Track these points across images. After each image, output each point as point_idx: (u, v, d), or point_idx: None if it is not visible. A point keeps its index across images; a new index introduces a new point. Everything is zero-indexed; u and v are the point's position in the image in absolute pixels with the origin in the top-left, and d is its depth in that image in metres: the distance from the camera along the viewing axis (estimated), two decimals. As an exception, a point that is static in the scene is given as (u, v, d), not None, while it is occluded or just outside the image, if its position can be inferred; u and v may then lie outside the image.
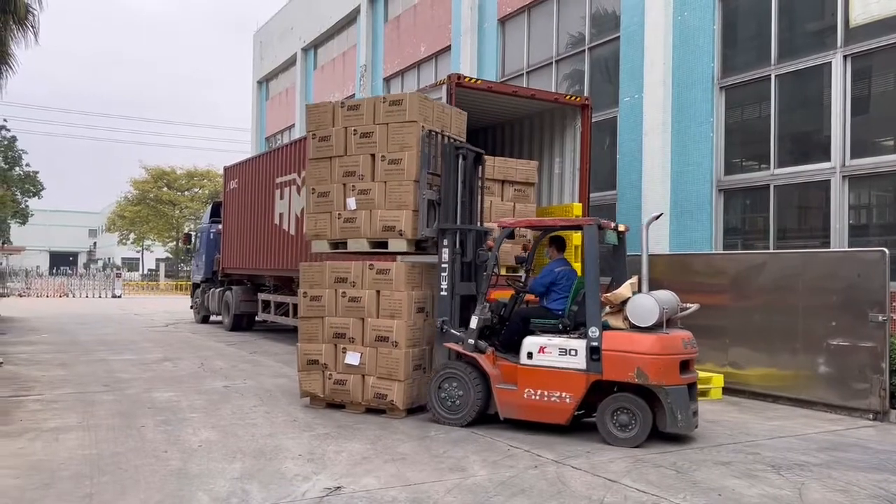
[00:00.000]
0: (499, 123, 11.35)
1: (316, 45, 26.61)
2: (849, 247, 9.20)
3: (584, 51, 13.78)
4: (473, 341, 6.76)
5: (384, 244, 7.36)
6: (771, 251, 9.91)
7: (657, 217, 7.00)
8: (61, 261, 75.61)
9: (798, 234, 10.36)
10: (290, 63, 28.44)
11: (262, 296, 15.27)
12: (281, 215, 13.87)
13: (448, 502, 4.56)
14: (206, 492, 4.68)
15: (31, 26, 14.00)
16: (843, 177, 9.48)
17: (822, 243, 9.67)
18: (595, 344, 6.11)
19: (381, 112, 7.39)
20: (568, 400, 6.24)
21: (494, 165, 9.76)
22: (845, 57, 9.53)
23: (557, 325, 6.67)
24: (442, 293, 7.05)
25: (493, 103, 10.43)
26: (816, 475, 5.31)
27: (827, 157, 9.69)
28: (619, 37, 12.79)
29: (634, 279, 6.45)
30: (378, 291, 7.23)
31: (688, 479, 5.14)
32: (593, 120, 10.96)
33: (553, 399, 6.30)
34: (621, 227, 6.85)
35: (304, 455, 5.61)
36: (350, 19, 23.80)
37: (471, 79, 9.83)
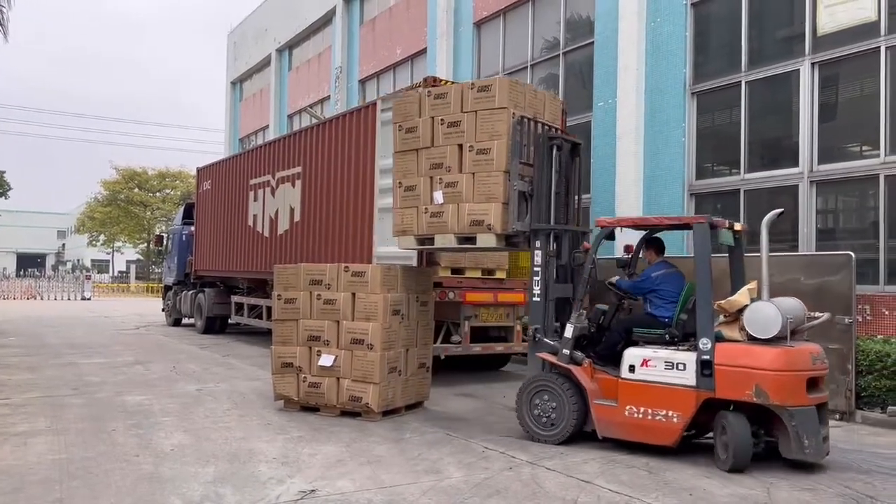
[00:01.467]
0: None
1: (291, 46, 26.46)
2: (816, 251, 9.38)
3: (558, 55, 13.89)
4: (569, 352, 6.20)
5: (472, 239, 6.88)
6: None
7: (779, 214, 6.03)
8: (29, 262, 74.21)
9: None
10: (265, 64, 28.25)
11: (235, 298, 15.15)
12: (255, 217, 13.78)
13: (423, 504, 4.57)
14: (178, 496, 4.64)
15: (0, 24, 13.76)
16: (811, 182, 9.67)
17: (791, 247, 9.84)
18: (707, 357, 5.47)
19: (469, 99, 6.90)
20: (675, 419, 5.60)
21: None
22: (813, 64, 9.72)
23: (663, 335, 6.04)
24: (534, 299, 6.55)
25: (469, 106, 10.45)
26: (784, 475, 5.41)
27: (795, 163, 9.88)
28: (593, 42, 12.91)
29: (753, 284, 5.82)
30: (353, 294, 7.22)
31: (660, 479, 5.20)
32: (568, 124, 11.05)
33: (658, 418, 5.68)
34: (738, 226, 6.15)
35: (279, 458, 5.59)
36: (325, 21, 23.71)
37: (447, 82, 9.85)
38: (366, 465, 5.46)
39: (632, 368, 5.86)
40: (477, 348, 9.63)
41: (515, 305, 9.96)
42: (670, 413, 5.63)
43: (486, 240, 6.80)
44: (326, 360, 7.24)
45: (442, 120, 7.08)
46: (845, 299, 7.69)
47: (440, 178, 7.02)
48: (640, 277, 6.55)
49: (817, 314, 6.00)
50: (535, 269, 6.58)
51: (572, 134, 7.22)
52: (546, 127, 7.06)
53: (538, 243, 6.60)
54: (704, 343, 5.50)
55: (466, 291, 9.41)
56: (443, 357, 9.21)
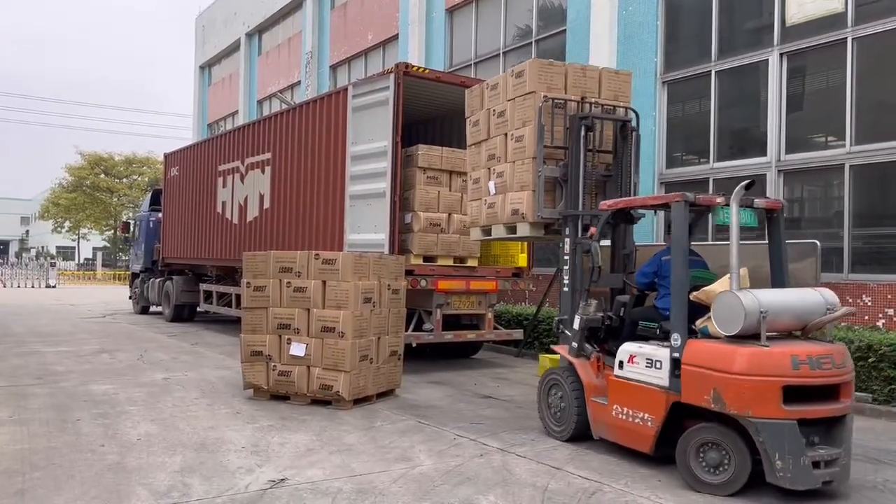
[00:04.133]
0: (447, 114, 11.36)
1: (260, 30, 26.10)
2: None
3: (531, 43, 13.88)
4: (577, 344, 5.89)
5: (514, 230, 6.82)
6: (709, 243, 10.17)
7: (748, 186, 5.16)
8: (-9, 249, 72.58)
9: (735, 226, 10.66)
10: (234, 48, 27.84)
11: (203, 286, 14.95)
12: (224, 203, 13.61)
13: (394, 492, 4.56)
14: (144, 486, 4.57)
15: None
16: (779, 171, 9.80)
17: (758, 235, 9.97)
18: (676, 355, 4.92)
19: (510, 87, 6.82)
20: (650, 423, 5.12)
21: (442, 156, 9.78)
22: (782, 55, 9.83)
23: (656, 328, 5.56)
24: (563, 289, 6.28)
25: (442, 93, 10.42)
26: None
27: (763, 152, 10.00)
28: (565, 30, 12.92)
29: (744, 271, 5.15)
30: (324, 282, 7.16)
31: (629, 466, 5.25)
32: (540, 112, 11.04)
33: (636, 420, 5.24)
34: (761, 203, 5.26)
35: (248, 447, 5.53)
36: (296, 5, 23.41)
37: (419, 68, 9.79)
38: (336, 453, 5.43)
39: (620, 364, 5.41)
40: (449, 336, 9.63)
41: (487, 293, 9.98)
42: (645, 416, 5.17)
43: (522, 229, 6.69)
44: (298, 349, 7.17)
45: (494, 111, 7.07)
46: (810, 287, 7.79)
47: (493, 169, 7.05)
48: (649, 261, 5.99)
49: (838, 307, 4.96)
50: (565, 256, 6.29)
51: (633, 109, 7.00)
52: (602, 106, 6.71)
53: (567, 230, 6.30)
54: (675, 339, 4.95)
55: (438, 279, 9.40)
56: (414, 345, 9.20)
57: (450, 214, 9.76)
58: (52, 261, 41.72)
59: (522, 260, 10.33)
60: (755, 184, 5.19)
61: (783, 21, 9.84)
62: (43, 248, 72.84)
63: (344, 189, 9.83)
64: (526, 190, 6.56)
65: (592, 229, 5.91)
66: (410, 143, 9.98)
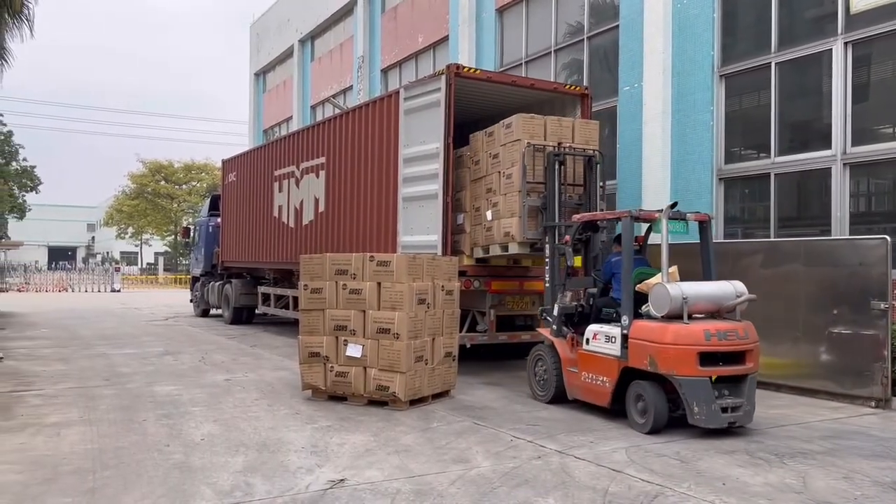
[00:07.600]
0: (499, 114, 11.28)
1: (313, 36, 26.47)
2: (850, 235, 9.17)
3: (582, 40, 13.70)
4: (556, 326, 7.44)
5: (507, 248, 8.75)
6: (772, 240, 9.88)
7: (673, 206, 6.64)
8: (60, 255, 75.47)
9: (799, 222, 10.34)
10: (287, 55, 28.29)
11: (261, 289, 15.26)
12: (280, 208, 13.84)
13: (452, 494, 4.55)
14: (209, 485, 4.67)
15: (27, 19, 13.90)
16: (844, 164, 9.44)
17: (823, 231, 9.64)
18: (625, 332, 6.43)
19: (502, 135, 8.83)
20: (607, 384, 6.64)
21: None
22: (846, 44, 9.48)
23: (613, 313, 6.99)
24: (546, 285, 7.92)
25: (493, 93, 10.38)
26: (820, 463, 5.31)
27: (827, 145, 9.65)
28: (617, 25, 12.71)
29: (673, 269, 6.61)
30: (379, 283, 7.21)
31: (691, 469, 5.13)
32: (593, 109, 10.91)
33: (598, 382, 6.77)
34: (690, 217, 6.77)
35: (307, 448, 5.60)
36: (347, 10, 23.66)
37: (470, 69, 9.78)
38: (394, 454, 5.46)
39: (587, 341, 6.96)
40: (503, 337, 9.58)
41: (541, 294, 9.87)
42: (604, 379, 6.70)
43: (513, 248, 8.69)
44: (354, 350, 7.24)
45: (490, 153, 9.08)
46: (880, 284, 7.50)
47: (489, 200, 8.99)
48: (606, 261, 7.53)
49: (747, 295, 6.41)
50: (547, 259, 7.95)
51: (600, 150, 9.15)
52: (564, 148, 8.62)
53: (547, 239, 8.01)
54: (624, 320, 6.48)
55: (492, 280, 9.36)
56: (468, 346, 9.18)
57: (503, 215, 9.72)
58: (117, 266, 43.15)
59: (577, 261, 10.19)
60: (677, 204, 6.83)
61: (847, 9, 9.48)
62: (108, 253, 75.37)
63: (397, 191, 9.88)
64: (515, 216, 8.56)
65: (566, 237, 7.53)
66: (462, 143, 9.96)
